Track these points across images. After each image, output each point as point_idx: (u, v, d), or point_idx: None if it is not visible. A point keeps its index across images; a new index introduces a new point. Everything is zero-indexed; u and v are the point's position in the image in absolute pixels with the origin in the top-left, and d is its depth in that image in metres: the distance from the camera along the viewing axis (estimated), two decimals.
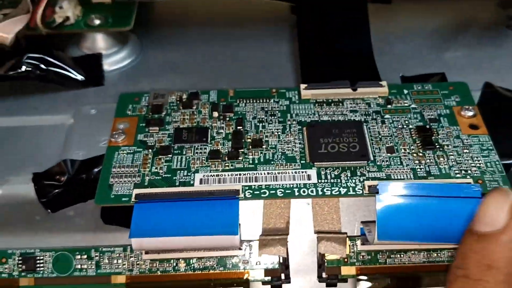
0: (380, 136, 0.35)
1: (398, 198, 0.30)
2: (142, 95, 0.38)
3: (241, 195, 0.31)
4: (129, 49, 0.47)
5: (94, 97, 0.42)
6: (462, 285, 0.24)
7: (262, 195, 0.31)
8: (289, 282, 0.33)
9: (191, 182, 0.32)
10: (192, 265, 0.33)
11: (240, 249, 0.33)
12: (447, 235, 0.29)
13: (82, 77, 0.44)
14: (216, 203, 0.31)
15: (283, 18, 0.50)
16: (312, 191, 0.31)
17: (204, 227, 0.30)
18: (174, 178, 0.32)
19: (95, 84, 0.44)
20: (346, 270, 0.33)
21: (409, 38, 0.48)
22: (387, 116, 0.36)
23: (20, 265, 0.33)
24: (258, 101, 0.37)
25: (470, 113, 0.36)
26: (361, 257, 0.33)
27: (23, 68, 0.41)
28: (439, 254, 0.33)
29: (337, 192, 0.31)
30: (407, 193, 0.30)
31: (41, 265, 0.33)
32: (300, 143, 0.34)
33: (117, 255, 0.33)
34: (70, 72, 0.43)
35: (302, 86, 0.38)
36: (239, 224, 0.31)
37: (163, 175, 0.33)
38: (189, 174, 0.33)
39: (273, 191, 0.31)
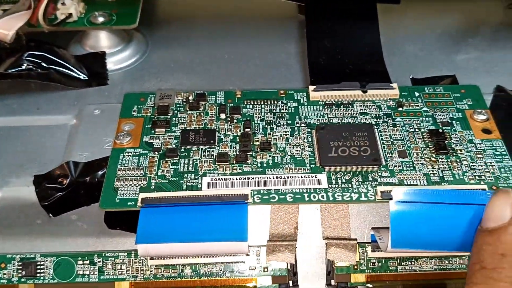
0: (391, 140, 0.34)
1: (412, 204, 0.29)
2: (147, 95, 0.37)
3: (250, 199, 0.30)
4: (134, 48, 0.46)
5: (97, 97, 0.42)
6: (480, 276, 0.25)
7: (271, 200, 0.31)
8: None
9: (199, 186, 0.31)
10: (198, 271, 0.32)
11: (247, 255, 0.32)
12: (463, 243, 0.28)
13: (85, 76, 0.43)
14: (224, 208, 0.30)
15: (291, 17, 0.50)
16: (322, 197, 0.31)
17: (213, 233, 0.29)
18: (181, 181, 0.32)
19: (98, 83, 0.43)
20: (355, 278, 0.32)
21: (418, 39, 0.47)
22: (398, 119, 0.35)
23: (20, 271, 0.32)
24: (266, 103, 0.37)
25: (483, 117, 0.35)
26: (371, 264, 0.32)
27: (24, 66, 0.41)
28: (450, 262, 0.32)
29: (349, 198, 0.31)
30: (421, 200, 0.29)
31: (42, 270, 0.32)
32: (309, 146, 0.34)
33: (121, 260, 0.32)
34: (73, 71, 0.42)
35: (311, 87, 0.37)
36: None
37: (170, 179, 0.32)
38: (196, 177, 0.32)
39: (283, 196, 0.31)
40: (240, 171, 0.32)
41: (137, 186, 0.31)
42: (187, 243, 0.29)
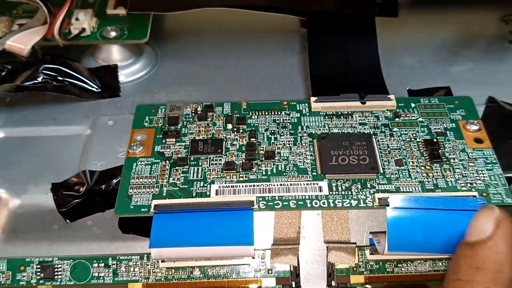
0: (388, 149, 0.35)
1: (407, 211, 0.31)
2: (158, 107, 0.38)
3: (255, 206, 0.32)
4: (145, 61, 0.47)
5: (110, 108, 0.43)
6: (454, 287, 0.26)
7: (276, 206, 0.32)
8: None
9: (207, 193, 0.33)
10: (207, 273, 0.34)
11: (253, 258, 0.33)
12: (454, 246, 0.30)
13: (98, 88, 0.44)
14: (231, 214, 0.31)
15: (293, 31, 0.51)
16: (323, 203, 0.32)
17: (221, 237, 0.31)
18: (191, 189, 0.33)
19: (111, 95, 0.44)
20: (355, 279, 0.34)
21: (415, 51, 0.48)
22: (395, 129, 0.37)
23: (38, 273, 0.34)
24: (270, 113, 0.38)
25: (475, 127, 0.36)
26: (369, 266, 0.34)
27: (40, 78, 0.42)
28: (444, 263, 0.34)
29: (348, 204, 0.32)
30: (416, 206, 0.31)
31: (59, 273, 0.34)
32: (311, 155, 0.35)
33: (134, 263, 0.34)
34: (86, 83, 0.43)
35: (312, 99, 0.38)
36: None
37: (181, 186, 0.33)
38: (205, 185, 0.33)
39: (286, 202, 0.32)
40: (246, 178, 0.34)
41: (149, 193, 0.33)
42: (197, 247, 0.31)
